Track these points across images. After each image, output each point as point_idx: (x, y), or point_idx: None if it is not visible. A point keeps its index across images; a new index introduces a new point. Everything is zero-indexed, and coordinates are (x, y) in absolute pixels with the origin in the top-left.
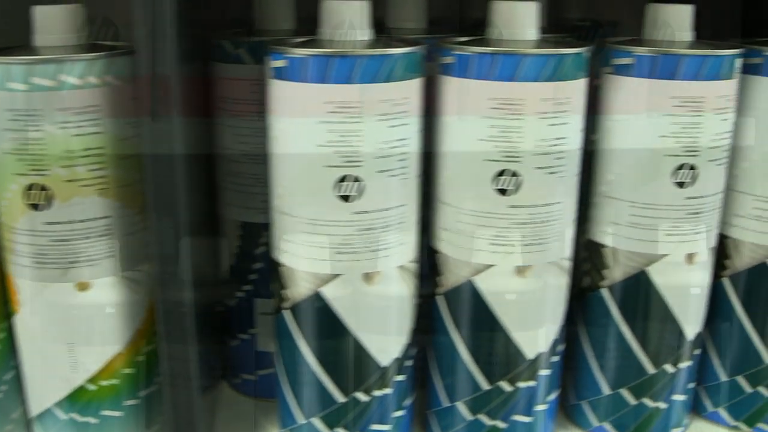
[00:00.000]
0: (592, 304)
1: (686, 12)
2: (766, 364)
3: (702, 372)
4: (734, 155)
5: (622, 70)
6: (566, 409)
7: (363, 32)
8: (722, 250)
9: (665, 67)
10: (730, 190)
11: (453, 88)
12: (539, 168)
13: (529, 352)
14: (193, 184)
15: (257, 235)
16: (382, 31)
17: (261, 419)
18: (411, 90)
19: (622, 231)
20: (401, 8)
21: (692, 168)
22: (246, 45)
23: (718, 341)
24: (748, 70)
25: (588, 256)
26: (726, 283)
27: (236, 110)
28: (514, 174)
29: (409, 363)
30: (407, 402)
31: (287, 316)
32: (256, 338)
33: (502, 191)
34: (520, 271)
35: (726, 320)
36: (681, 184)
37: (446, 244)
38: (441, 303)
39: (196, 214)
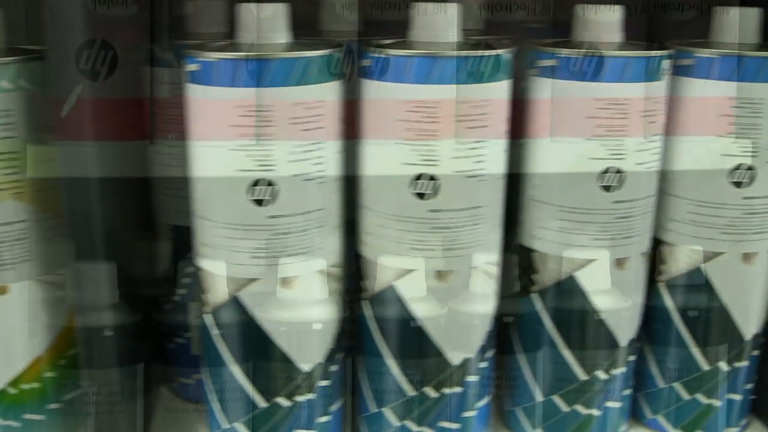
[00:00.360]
0: (523, 310)
1: (615, 13)
2: (703, 371)
3: (640, 379)
4: (666, 158)
5: (547, 72)
6: (503, 415)
7: (280, 35)
8: (658, 255)
9: (589, 69)
10: (664, 194)
11: (369, 91)
12: (458, 172)
13: (455, 358)
14: (118, 198)
15: (189, 238)
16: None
17: (196, 423)
18: (327, 93)
19: (550, 235)
20: None
21: (618, 172)
22: (174, 49)
23: (655, 348)
24: (679, 71)
25: (519, 261)
26: (662, 288)
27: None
28: (431, 178)
29: (334, 368)
30: (334, 407)
31: (208, 320)
32: (191, 342)
33: (420, 195)
34: (441, 276)
35: (662, 326)
36: (607, 188)
37: (369, 248)
38: (366, 308)
39: (126, 224)
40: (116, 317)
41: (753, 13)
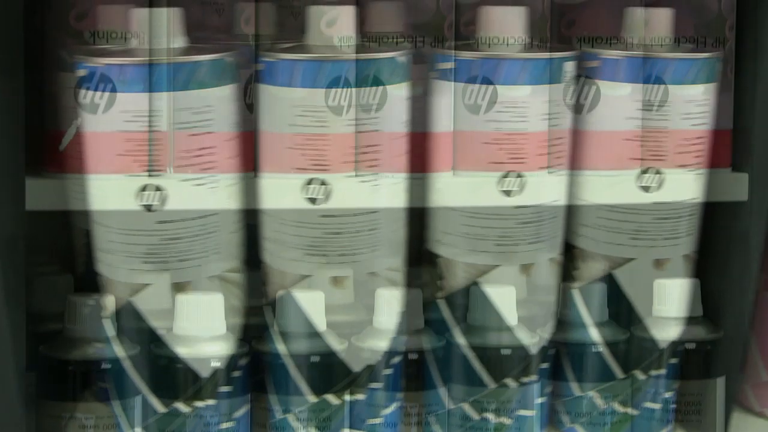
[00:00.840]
0: (431, 316)
1: (516, 13)
2: (618, 379)
3: (557, 387)
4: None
5: (446, 75)
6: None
7: (176, 39)
8: (571, 261)
9: (488, 71)
10: (574, 199)
11: (261, 95)
12: (349, 176)
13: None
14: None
15: None
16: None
17: None
18: (217, 98)
19: (454, 241)
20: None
21: (519, 176)
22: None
23: (571, 355)
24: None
25: (426, 267)
26: (575, 294)
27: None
28: (322, 183)
29: (237, 374)
30: (239, 413)
31: (107, 324)
32: None
33: (312, 200)
34: (337, 281)
35: (577, 333)
36: (508, 193)
37: (268, 254)
38: (268, 313)
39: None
40: None
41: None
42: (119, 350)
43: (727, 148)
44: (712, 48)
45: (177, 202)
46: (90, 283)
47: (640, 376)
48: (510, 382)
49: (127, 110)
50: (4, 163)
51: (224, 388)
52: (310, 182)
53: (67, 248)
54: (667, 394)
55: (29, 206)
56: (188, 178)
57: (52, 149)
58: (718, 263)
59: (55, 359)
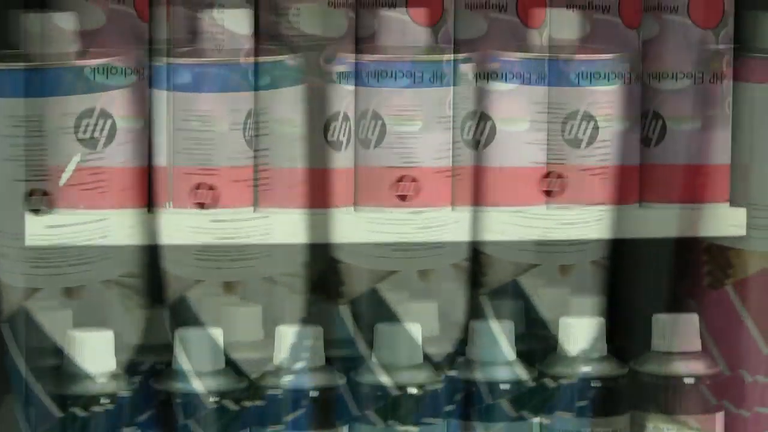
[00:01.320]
0: (335, 322)
1: None
2: (527, 387)
3: (468, 394)
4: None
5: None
6: None
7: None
8: (478, 267)
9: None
10: (478, 205)
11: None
12: (237, 181)
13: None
14: None
15: None
16: None
17: None
18: (103, 102)
19: (356, 245)
20: None
21: (414, 180)
22: None
23: (480, 362)
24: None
25: (332, 272)
26: (484, 300)
27: None
28: (210, 188)
29: (137, 378)
30: (142, 417)
31: (5, 330)
32: None
33: (201, 204)
34: (229, 287)
35: (486, 339)
36: (403, 198)
37: (163, 259)
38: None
39: None
40: None
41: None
42: None
43: (725, 183)
44: (710, 83)
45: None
46: None
47: (550, 383)
48: (413, 390)
49: (12, 116)
50: None
51: (123, 393)
52: (197, 187)
53: None
54: (583, 403)
55: None
56: (74, 182)
57: None
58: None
59: None
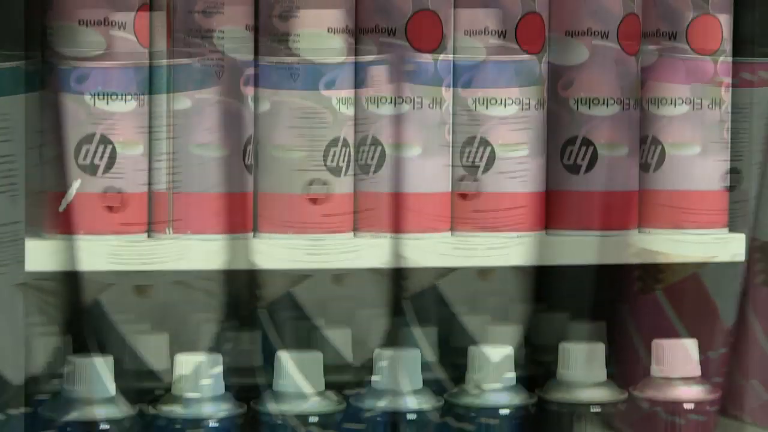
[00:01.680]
0: (255, 325)
1: None
2: (453, 398)
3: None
4: None
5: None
6: None
7: None
8: (400, 274)
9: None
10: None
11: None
12: (142, 185)
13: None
14: None
15: None
16: None
17: None
18: (13, 106)
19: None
20: None
21: (325, 183)
22: None
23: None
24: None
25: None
26: (407, 306)
27: None
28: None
29: (57, 381)
30: (65, 419)
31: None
32: None
33: (110, 208)
34: (140, 291)
35: (410, 346)
36: (314, 201)
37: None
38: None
39: None
40: None
41: None
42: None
43: (724, 208)
44: (709, 109)
45: None
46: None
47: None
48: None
49: None
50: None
51: (41, 396)
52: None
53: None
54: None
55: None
56: None
57: None
58: None
59: None
